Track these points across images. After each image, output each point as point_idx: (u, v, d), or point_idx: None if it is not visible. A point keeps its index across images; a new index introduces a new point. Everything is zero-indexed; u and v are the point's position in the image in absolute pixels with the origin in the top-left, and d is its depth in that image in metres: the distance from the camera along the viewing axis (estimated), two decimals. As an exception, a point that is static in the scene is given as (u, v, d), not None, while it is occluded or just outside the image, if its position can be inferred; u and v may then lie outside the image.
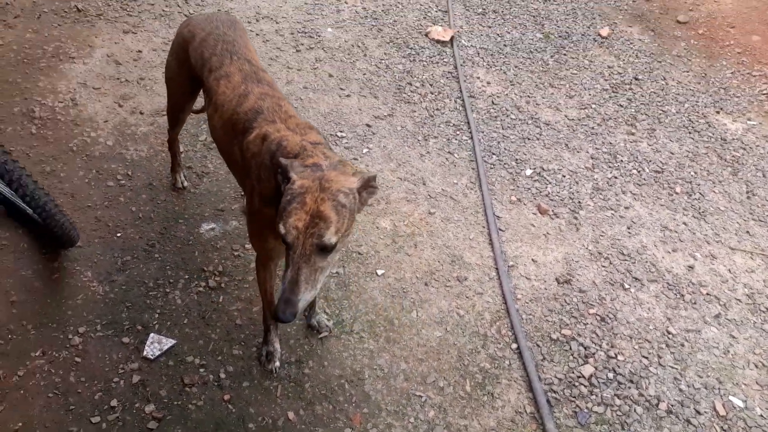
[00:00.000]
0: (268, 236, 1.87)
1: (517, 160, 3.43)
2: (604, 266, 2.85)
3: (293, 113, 1.93)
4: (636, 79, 4.32)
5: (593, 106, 3.98)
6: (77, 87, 3.48)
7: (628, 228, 3.06)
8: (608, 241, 2.98)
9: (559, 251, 2.90)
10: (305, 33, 4.31)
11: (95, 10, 4.21)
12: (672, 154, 3.61)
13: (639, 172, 3.45)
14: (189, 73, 2.31)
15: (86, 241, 2.61)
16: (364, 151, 3.34)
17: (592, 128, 3.76)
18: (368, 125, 3.53)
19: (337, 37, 4.34)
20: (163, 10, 4.29)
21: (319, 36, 4.30)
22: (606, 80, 4.27)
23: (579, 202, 3.19)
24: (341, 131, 3.44)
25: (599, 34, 4.82)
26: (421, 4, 4.92)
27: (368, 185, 1.61)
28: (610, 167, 3.46)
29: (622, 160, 3.52)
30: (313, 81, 3.84)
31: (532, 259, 2.83)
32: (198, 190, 2.96)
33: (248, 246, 2.71)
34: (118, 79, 3.60)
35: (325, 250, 1.51)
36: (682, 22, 5.18)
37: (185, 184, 2.94)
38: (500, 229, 2.96)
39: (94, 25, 4.07)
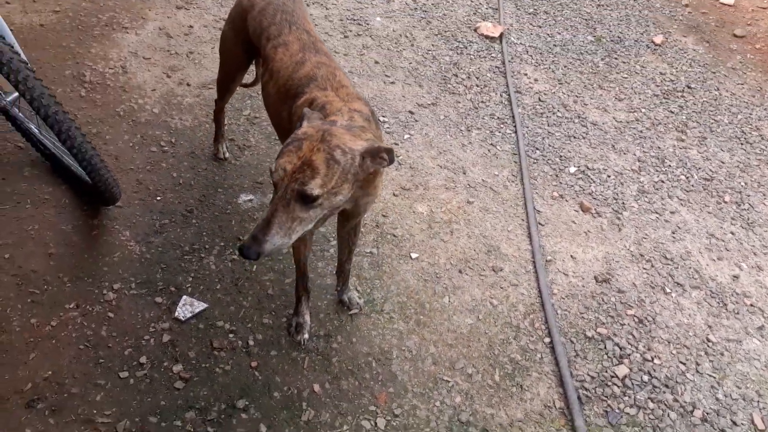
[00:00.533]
0: None
1: (561, 156, 3.36)
2: (645, 269, 2.76)
3: (347, 84, 1.92)
4: (688, 87, 4.20)
5: (643, 110, 3.88)
6: (128, 56, 3.53)
7: (673, 233, 2.96)
8: (651, 244, 2.89)
9: (600, 250, 2.82)
10: (354, 20, 4.31)
11: (151, -15, 4.28)
12: (722, 163, 3.49)
13: (687, 178, 3.35)
14: (245, 42, 2.32)
15: (126, 201, 2.64)
16: (406, 137, 3.31)
17: (641, 132, 3.67)
18: (411, 112, 3.50)
19: (385, 26, 4.32)
20: (216, -11, 4.34)
21: (367, 24, 4.29)
22: (657, 86, 4.16)
23: (623, 203, 3.10)
24: (384, 116, 3.42)
25: (652, 41, 4.71)
26: (471, 0, 4.87)
27: (377, 154, 1.56)
28: (657, 171, 3.36)
29: (670, 165, 3.42)
30: (358, 66, 3.83)
31: (571, 256, 2.76)
32: (239, 162, 2.97)
33: (284, 220, 2.71)
34: (168, 51, 3.65)
35: (307, 199, 1.47)
36: (739, 36, 5.02)
37: (227, 155, 2.95)
38: (540, 224, 2.89)
39: (148, -1, 4.13)
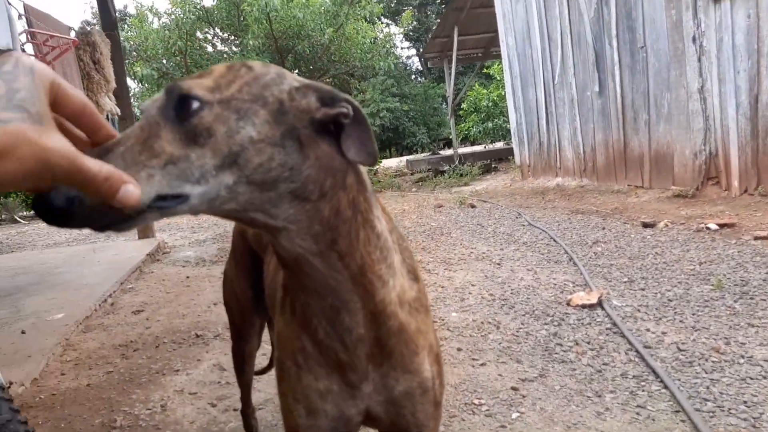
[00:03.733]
0: None
1: (745, 403, 2.31)
2: None
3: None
4: None
5: (827, 337, 2.88)
6: (172, 394, 3.03)
7: None
8: None
9: None
10: (428, 321, 3.81)
11: (213, 333, 4.06)
12: None
13: None
14: (250, 268, 1.78)
15: None
16: (514, 416, 2.41)
17: (842, 358, 2.61)
18: (514, 388, 2.65)
19: (463, 318, 3.78)
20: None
21: (442, 320, 3.77)
22: (826, 313, 3.21)
23: None
24: (479, 398, 2.59)
25: (788, 277, 3.90)
26: (554, 285, 4.38)
27: (328, 97, 0.85)
28: None
29: None
30: (439, 359, 3.16)
31: None
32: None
33: None
34: (218, 383, 3.15)
35: (181, 107, 0.74)
36: None
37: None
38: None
39: (208, 344, 3.85)
